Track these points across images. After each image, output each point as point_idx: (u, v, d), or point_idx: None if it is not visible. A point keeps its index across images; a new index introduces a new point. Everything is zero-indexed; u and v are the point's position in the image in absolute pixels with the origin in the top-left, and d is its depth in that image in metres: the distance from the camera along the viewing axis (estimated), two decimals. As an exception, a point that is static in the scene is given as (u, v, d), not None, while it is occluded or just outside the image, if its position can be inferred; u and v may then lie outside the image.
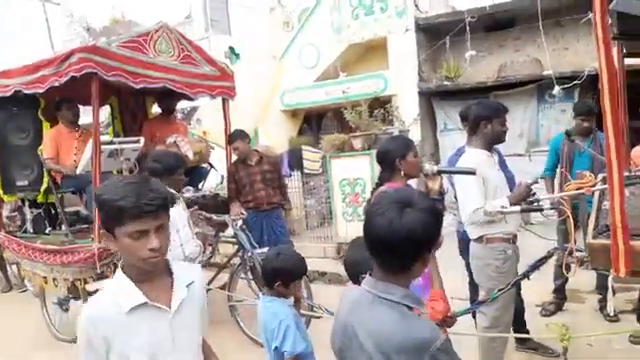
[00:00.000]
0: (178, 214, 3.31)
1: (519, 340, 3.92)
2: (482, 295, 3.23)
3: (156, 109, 6.14)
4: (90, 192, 4.56)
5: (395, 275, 1.40)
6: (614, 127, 2.00)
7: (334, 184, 7.83)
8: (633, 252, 2.06)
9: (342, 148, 7.75)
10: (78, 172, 4.69)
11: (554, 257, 2.79)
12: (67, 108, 5.12)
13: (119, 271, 1.60)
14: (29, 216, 5.30)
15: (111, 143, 4.68)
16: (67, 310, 4.98)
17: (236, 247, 4.76)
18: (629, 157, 3.36)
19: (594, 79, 2.21)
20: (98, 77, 4.22)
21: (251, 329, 4.54)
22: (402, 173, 2.84)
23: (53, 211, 5.28)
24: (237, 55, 10.54)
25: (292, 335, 2.41)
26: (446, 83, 9.09)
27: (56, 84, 4.24)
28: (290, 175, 8.18)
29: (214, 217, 4.79)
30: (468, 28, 8.71)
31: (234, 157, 5.48)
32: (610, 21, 2.19)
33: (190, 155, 5.24)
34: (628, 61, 3.16)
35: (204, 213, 4.88)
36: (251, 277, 4.61)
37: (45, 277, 4.63)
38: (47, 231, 5.18)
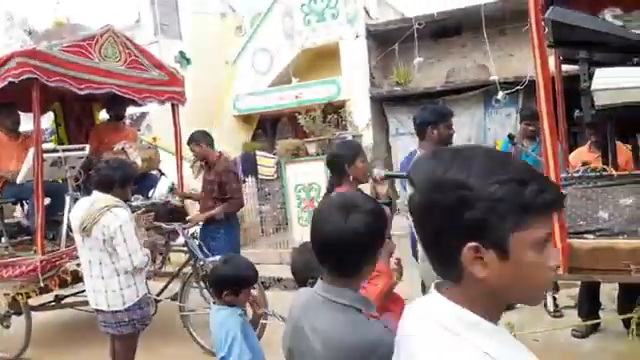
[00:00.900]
0: (125, 223, 3.20)
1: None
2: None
3: (104, 115, 5.95)
4: (32, 202, 4.37)
5: (345, 278, 1.41)
6: (550, 130, 2.09)
7: (289, 189, 7.81)
8: (570, 250, 2.16)
9: (297, 153, 7.75)
10: (19, 181, 4.47)
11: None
12: (6, 115, 4.89)
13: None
14: (-35, 228, 5.01)
15: (54, 151, 4.50)
16: (8, 327, 4.73)
17: (187, 256, 4.65)
18: (567, 159, 3.52)
19: (535, 84, 2.34)
20: (39, 83, 4.06)
21: (204, 339, 4.45)
22: (351, 178, 2.87)
23: (-8, 223, 5.01)
24: (188, 60, 10.37)
25: (238, 346, 2.36)
26: (397, 89, 9.27)
27: (-7, 90, 4.05)
28: (244, 181, 8.10)
29: (164, 225, 4.67)
30: (416, 35, 8.93)
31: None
32: (546, 29, 2.29)
33: (139, 162, 5.10)
34: (565, 67, 3.31)
35: (154, 222, 4.77)
36: (203, 286, 4.52)
37: (-17, 293, 4.38)
38: (-15, 244, 4.91)
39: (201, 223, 4.83)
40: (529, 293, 0.86)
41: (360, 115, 9.15)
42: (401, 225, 8.29)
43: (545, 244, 0.82)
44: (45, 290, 4.39)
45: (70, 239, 3.82)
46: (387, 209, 2.72)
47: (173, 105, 5.56)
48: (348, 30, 9.39)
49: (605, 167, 2.52)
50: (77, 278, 4.28)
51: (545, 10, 2.32)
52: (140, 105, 5.89)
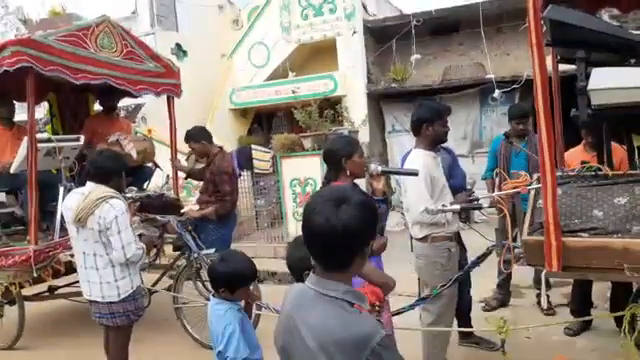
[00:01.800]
0: (120, 215, 3.19)
1: (462, 335, 4.05)
2: (426, 293, 3.31)
3: (99, 106, 5.92)
4: (26, 192, 4.35)
5: (336, 272, 1.41)
6: (547, 129, 2.10)
7: (284, 184, 7.81)
8: (565, 249, 2.17)
9: (293, 148, 7.75)
10: (12, 171, 4.45)
11: (494, 253, 2.89)
12: (1, 104, 4.85)
13: None
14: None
15: (49, 141, 4.47)
16: (1, 316, 4.72)
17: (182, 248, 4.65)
18: (563, 158, 3.54)
19: (532, 83, 2.33)
20: (34, 72, 4.03)
21: (198, 332, 4.45)
22: (348, 173, 2.87)
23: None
24: (184, 52, 10.32)
25: (236, 340, 2.36)
26: (394, 85, 9.26)
27: (-12, 79, 4.01)
28: (240, 175, 8.07)
29: (158, 218, 4.66)
30: (414, 32, 8.92)
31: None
32: (544, 28, 2.30)
33: (134, 154, 5.08)
34: (562, 67, 3.32)
35: (148, 214, 4.76)
36: (197, 279, 4.52)
37: (-24, 282, 4.36)
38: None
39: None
40: None
41: (356, 111, 9.14)
42: (396, 221, 8.32)
43: None
44: (38, 280, 4.38)
45: (64, 230, 3.80)
46: (383, 205, 2.73)
47: (169, 97, 5.54)
48: (345, 25, 9.36)
49: (600, 166, 2.54)
50: (71, 269, 4.28)
51: (543, 9, 2.32)
52: (135, 97, 5.86)
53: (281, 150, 7.76)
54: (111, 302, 3.27)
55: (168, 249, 5.19)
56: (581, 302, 4.16)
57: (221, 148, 5.07)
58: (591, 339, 4.05)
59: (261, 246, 7.65)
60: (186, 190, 7.84)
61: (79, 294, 3.98)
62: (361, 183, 3.09)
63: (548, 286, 4.56)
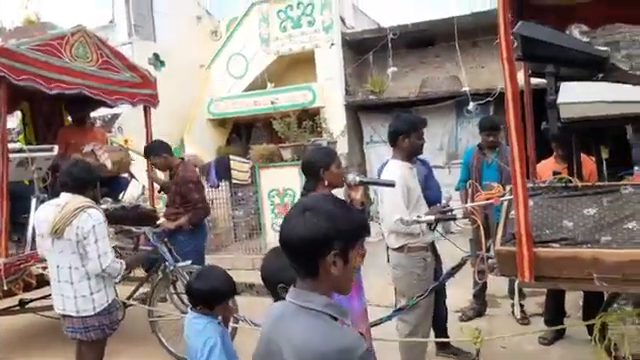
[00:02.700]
0: (98, 224, 3.15)
1: (439, 345, 4.07)
2: (403, 303, 3.33)
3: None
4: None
5: (310, 281, 1.40)
6: (518, 141, 2.15)
7: (263, 195, 7.79)
8: (536, 259, 2.21)
9: (271, 158, 7.74)
10: (-18, 182, 4.34)
11: (468, 264, 2.93)
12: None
13: None
14: None
15: (21, 151, 4.39)
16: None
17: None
18: (534, 170, 3.61)
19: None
20: (6, 81, 3.96)
21: (174, 345, 4.38)
22: (326, 183, 2.89)
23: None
24: (162, 62, 10.25)
25: (217, 355, 2.34)
26: (371, 97, 9.35)
27: (-42, 87, 3.93)
28: (218, 185, 8.03)
29: (133, 229, 4.59)
30: (391, 45, 9.04)
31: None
32: (515, 44, 2.36)
33: (108, 164, 5.02)
34: (534, 81, 3.40)
35: (123, 226, 4.69)
36: (173, 291, 4.46)
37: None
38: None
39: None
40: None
41: (335, 122, 9.20)
42: (375, 231, 8.39)
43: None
44: (9, 294, 4.26)
45: (36, 242, 3.72)
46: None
47: (145, 107, 5.50)
48: (324, 38, 9.45)
49: (570, 178, 2.60)
50: (43, 282, 4.18)
51: (514, 24, 2.39)
52: (112, 107, 5.80)
53: (260, 161, 7.75)
54: (86, 316, 3.22)
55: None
56: (554, 311, 4.23)
57: (182, 159, 5.07)
58: (565, 348, 4.12)
59: (239, 258, 7.59)
60: (162, 201, 7.73)
61: (50, 308, 3.89)
62: (339, 193, 3.10)
63: (522, 296, 4.66)
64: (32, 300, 4.95)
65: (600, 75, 2.51)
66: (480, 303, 4.89)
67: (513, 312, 4.68)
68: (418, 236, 3.25)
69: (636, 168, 2.89)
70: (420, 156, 3.83)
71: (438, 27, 9.06)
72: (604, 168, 3.13)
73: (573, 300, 4.44)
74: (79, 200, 3.19)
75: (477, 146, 4.76)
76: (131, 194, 5.76)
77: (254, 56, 10.03)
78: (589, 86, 2.43)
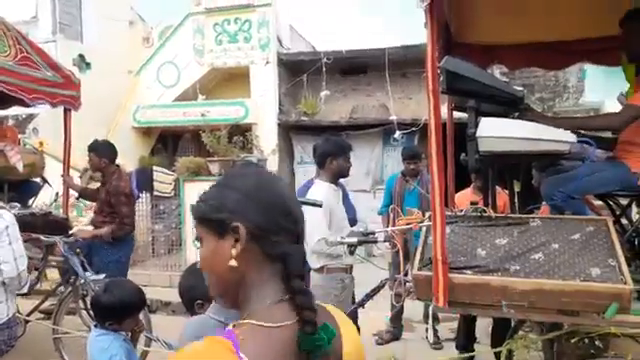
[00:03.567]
0: (12, 225, 2.87)
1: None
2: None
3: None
4: None
5: None
6: (438, 170, 2.24)
7: (186, 209, 7.56)
8: (451, 285, 2.30)
9: (198, 172, 7.57)
10: None
11: (386, 287, 2.99)
12: None
13: None
14: None
15: None
16: None
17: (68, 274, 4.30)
18: (453, 198, 3.78)
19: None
20: None
21: (78, 365, 4.10)
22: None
23: None
24: (88, 64, 9.80)
25: None
26: (304, 118, 9.46)
27: None
28: (138, 197, 7.70)
29: (42, 237, 4.28)
30: (325, 69, 9.24)
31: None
32: (441, 77, 2.48)
33: (19, 167, 4.68)
34: (457, 114, 3.58)
35: (32, 234, 4.35)
36: (82, 307, 4.19)
37: None
38: None
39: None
40: None
41: (267, 140, 9.18)
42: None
43: None
44: None
45: None
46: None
47: (66, 110, 5.19)
48: (259, 55, 9.47)
49: (485, 208, 2.74)
50: None
51: (441, 59, 2.51)
52: (29, 106, 5.43)
53: (185, 173, 7.55)
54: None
55: (52, 273, 4.78)
56: (466, 337, 4.39)
57: (118, 167, 4.85)
58: (474, 372, 4.27)
59: (156, 274, 7.30)
60: (77, 210, 7.31)
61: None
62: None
63: (437, 320, 4.82)
64: None
65: (516, 114, 2.69)
66: (396, 327, 5.00)
67: (427, 336, 4.82)
68: (338, 258, 3.28)
69: (544, 203, 3.10)
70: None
71: (370, 56, 9.38)
72: (516, 201, 3.33)
73: (484, 326, 4.64)
74: None
75: (400, 173, 4.94)
76: (42, 200, 5.41)
77: (187, 66, 9.85)
78: (505, 123, 2.59)
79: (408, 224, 2.65)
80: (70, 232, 4.55)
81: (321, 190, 3.36)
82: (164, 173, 7.90)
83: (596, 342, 2.67)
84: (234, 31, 9.62)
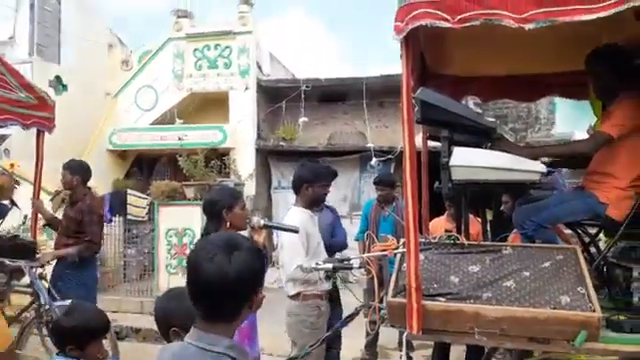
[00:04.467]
0: None
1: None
2: (295, 353, 3.28)
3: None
4: None
5: (221, 324, 1.36)
6: (413, 197, 2.27)
7: (160, 233, 7.45)
8: (425, 312, 2.30)
9: (173, 196, 7.49)
10: None
11: (361, 314, 2.97)
12: None
13: None
14: None
15: None
16: None
17: (32, 298, 4.17)
18: (427, 226, 3.82)
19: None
20: None
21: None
22: (228, 224, 2.84)
23: None
24: (64, 86, 9.70)
25: None
26: (282, 144, 9.51)
27: None
28: (110, 220, 7.56)
29: (7, 262, 4.15)
30: (303, 96, 9.34)
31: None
32: (416, 107, 2.54)
33: (-12, 189, 4.56)
34: (432, 143, 3.65)
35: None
36: (46, 333, 4.05)
37: None
38: None
39: (54, 262, 4.39)
40: None
41: (244, 164, 9.17)
42: (275, 278, 8.28)
43: None
44: None
45: None
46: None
47: (39, 131, 5.11)
48: (239, 81, 9.53)
49: (458, 236, 2.78)
50: None
51: (416, 90, 2.58)
52: (0, 126, 5.34)
53: (160, 197, 7.46)
54: None
55: (19, 299, 4.61)
56: (440, 364, 4.37)
57: (90, 189, 4.82)
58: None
59: (127, 299, 7.13)
60: (46, 233, 7.12)
61: None
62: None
63: (411, 348, 4.79)
64: None
65: (488, 144, 2.76)
66: (371, 354, 4.96)
67: (401, 364, 4.78)
68: (315, 284, 3.26)
69: (514, 230, 3.15)
70: (329, 204, 3.92)
71: (349, 85, 9.54)
72: (488, 229, 3.39)
73: (459, 354, 4.63)
74: None
75: (376, 199, 4.98)
76: (10, 223, 5.27)
77: (165, 90, 9.85)
78: (478, 153, 2.65)
79: (383, 250, 2.66)
80: (37, 256, 4.42)
81: (295, 216, 3.36)
82: (138, 197, 7.79)
83: (567, 370, 2.69)
84: (214, 57, 9.68)
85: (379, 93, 9.32)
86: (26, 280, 4.26)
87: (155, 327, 2.10)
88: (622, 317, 2.38)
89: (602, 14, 2.05)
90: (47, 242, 6.68)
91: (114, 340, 4.08)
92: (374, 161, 8.78)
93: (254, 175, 9.17)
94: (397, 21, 2.28)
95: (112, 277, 7.81)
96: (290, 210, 3.52)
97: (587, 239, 2.97)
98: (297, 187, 3.48)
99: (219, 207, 2.87)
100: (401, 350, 4.82)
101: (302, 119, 9.46)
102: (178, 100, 9.82)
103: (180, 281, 6.55)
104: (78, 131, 8.89)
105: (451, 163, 2.55)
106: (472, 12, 2.19)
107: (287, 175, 9.58)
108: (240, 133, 9.35)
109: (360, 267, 2.80)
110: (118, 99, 10.06)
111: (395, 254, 2.62)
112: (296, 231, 3.02)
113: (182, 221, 7.35)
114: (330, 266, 2.88)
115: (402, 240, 2.72)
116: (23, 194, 5.25)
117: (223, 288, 1.31)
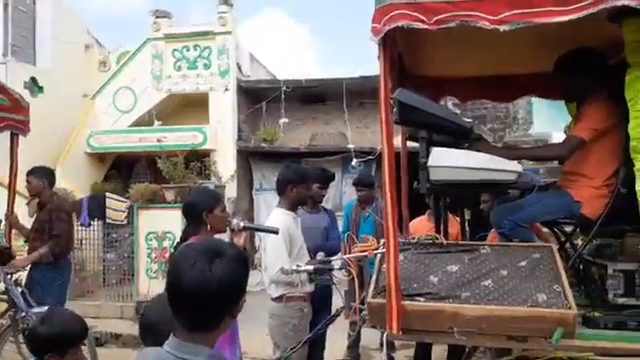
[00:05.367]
0: None
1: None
2: (277, 355, 3.27)
3: None
4: None
5: (202, 333, 1.32)
6: (391, 198, 2.28)
7: (140, 237, 7.35)
8: (404, 312, 2.31)
9: (152, 199, 7.39)
10: None
11: (342, 315, 2.97)
12: None
13: None
14: None
15: None
16: None
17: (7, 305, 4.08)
18: (407, 226, 3.84)
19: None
20: None
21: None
22: (208, 227, 2.81)
23: None
24: (40, 88, 9.48)
25: None
26: (263, 145, 9.48)
27: None
28: (89, 225, 7.44)
29: (-20, 268, 4.07)
30: (284, 97, 9.33)
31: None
32: (394, 108, 2.55)
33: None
34: (411, 144, 3.67)
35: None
36: (22, 341, 3.96)
37: None
38: None
39: (28, 267, 4.31)
40: None
41: (225, 166, 9.11)
42: (257, 281, 8.27)
43: None
44: None
45: None
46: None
47: (12, 134, 5.00)
48: (219, 82, 9.47)
49: (437, 235, 2.79)
50: None
51: (394, 91, 2.59)
52: (-28, 130, 5.20)
53: (139, 200, 7.36)
54: None
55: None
56: (422, 363, 4.40)
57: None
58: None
59: (106, 305, 7.03)
60: (23, 239, 6.98)
61: None
62: (223, 238, 3.03)
63: (392, 348, 4.81)
64: None
65: (466, 144, 2.78)
66: (354, 355, 4.96)
67: (383, 365, 4.79)
68: (297, 286, 3.25)
69: (493, 230, 3.19)
70: (326, 206, 3.92)
71: (329, 86, 9.56)
72: (467, 228, 3.41)
73: (441, 353, 4.66)
74: None
75: (357, 200, 4.99)
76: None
77: (144, 91, 9.74)
78: (455, 153, 2.67)
79: (363, 251, 2.66)
80: (11, 263, 4.34)
81: (278, 217, 3.35)
82: (117, 200, 7.67)
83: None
84: (193, 58, 9.61)
85: (359, 94, 9.36)
86: (1, 287, 4.17)
87: (136, 332, 2.05)
88: (598, 314, 2.42)
89: (576, 16, 2.08)
90: (24, 247, 6.56)
91: (93, 346, 4.00)
92: (355, 162, 8.82)
93: (235, 177, 9.13)
94: (374, 22, 2.29)
95: (91, 282, 7.68)
96: (273, 211, 3.51)
97: (563, 237, 3.02)
98: (281, 188, 3.46)
99: (199, 209, 2.83)
100: (382, 350, 4.85)
101: (283, 120, 9.44)
102: (157, 101, 9.72)
103: (160, 285, 6.49)
104: (55, 134, 8.75)
105: (429, 163, 2.57)
106: (448, 14, 2.21)
107: (269, 177, 9.55)
108: (220, 134, 9.29)
109: (341, 268, 2.80)
110: (96, 101, 9.92)
111: (375, 255, 2.63)
112: (276, 232, 3.00)
113: (162, 224, 7.26)
114: (311, 268, 2.88)
115: (382, 240, 2.73)
116: (-3, 198, 5.14)
117: (205, 297, 1.28)
